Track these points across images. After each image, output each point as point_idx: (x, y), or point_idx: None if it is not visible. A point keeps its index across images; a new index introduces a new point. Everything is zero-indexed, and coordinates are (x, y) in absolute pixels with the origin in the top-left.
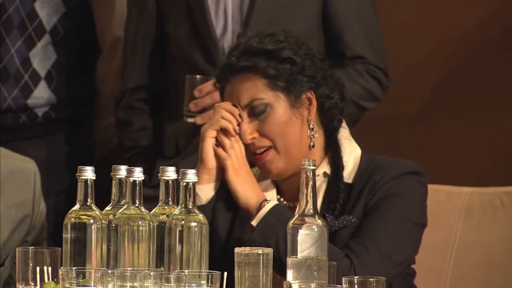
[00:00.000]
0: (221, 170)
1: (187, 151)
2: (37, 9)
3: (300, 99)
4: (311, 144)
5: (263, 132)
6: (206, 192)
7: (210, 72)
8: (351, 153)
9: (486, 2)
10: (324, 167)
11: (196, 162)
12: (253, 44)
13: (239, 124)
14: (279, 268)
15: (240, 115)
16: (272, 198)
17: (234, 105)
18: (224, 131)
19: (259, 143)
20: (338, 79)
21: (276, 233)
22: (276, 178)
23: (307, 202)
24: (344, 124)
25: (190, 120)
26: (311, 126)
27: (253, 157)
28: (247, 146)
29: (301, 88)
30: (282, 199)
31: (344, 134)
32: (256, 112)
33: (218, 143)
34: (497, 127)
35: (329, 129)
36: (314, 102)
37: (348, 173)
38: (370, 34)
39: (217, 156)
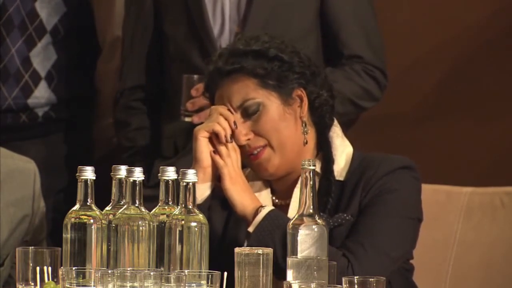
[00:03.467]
0: (216, 169)
1: (184, 151)
2: (38, 9)
3: (291, 96)
4: (305, 141)
5: (258, 131)
6: (202, 191)
7: None
8: (343, 151)
9: (488, 1)
10: (316, 167)
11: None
12: (239, 46)
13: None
14: (277, 272)
15: (234, 122)
16: (266, 197)
17: (229, 111)
18: (216, 135)
19: (254, 143)
20: (326, 77)
21: (272, 238)
22: (270, 177)
23: (306, 202)
24: (335, 122)
25: (187, 119)
26: (304, 123)
27: (248, 158)
28: (241, 148)
29: (292, 85)
30: (274, 198)
31: (336, 132)
32: (249, 112)
33: (215, 150)
34: (498, 127)
35: (320, 127)
36: (305, 100)
37: (340, 171)
38: (368, 33)
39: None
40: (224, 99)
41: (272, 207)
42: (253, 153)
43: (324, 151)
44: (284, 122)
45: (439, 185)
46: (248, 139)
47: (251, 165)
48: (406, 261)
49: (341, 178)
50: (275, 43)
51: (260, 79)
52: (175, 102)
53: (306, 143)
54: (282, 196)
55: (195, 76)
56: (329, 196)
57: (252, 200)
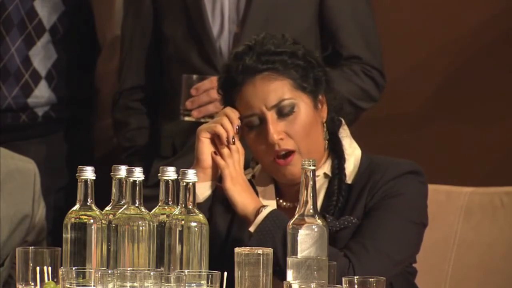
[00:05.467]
0: (217, 170)
1: (182, 151)
2: (37, 7)
3: (318, 101)
4: (325, 146)
5: (290, 132)
6: (203, 190)
7: (207, 72)
8: (352, 154)
9: (489, 2)
10: (325, 168)
11: (192, 162)
12: (270, 47)
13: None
14: (278, 272)
15: (238, 126)
16: (271, 199)
17: (240, 118)
18: (217, 137)
19: (284, 145)
20: (332, 78)
21: (273, 238)
22: (290, 182)
23: (307, 202)
24: (344, 124)
25: (186, 118)
26: (325, 129)
27: (274, 162)
28: (268, 148)
29: (320, 90)
30: (281, 200)
31: (345, 135)
32: (284, 112)
33: (217, 151)
34: (498, 128)
35: (333, 130)
36: (325, 105)
37: (349, 174)
38: (366, 34)
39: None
40: (258, 98)
41: (274, 207)
42: (281, 153)
43: (336, 151)
44: (314, 128)
45: (439, 185)
46: (281, 139)
47: (275, 169)
48: (409, 265)
49: (349, 181)
50: (302, 45)
51: (295, 81)
52: (174, 102)
53: (326, 148)
54: (289, 199)
55: (194, 76)
56: (340, 195)
57: (253, 200)
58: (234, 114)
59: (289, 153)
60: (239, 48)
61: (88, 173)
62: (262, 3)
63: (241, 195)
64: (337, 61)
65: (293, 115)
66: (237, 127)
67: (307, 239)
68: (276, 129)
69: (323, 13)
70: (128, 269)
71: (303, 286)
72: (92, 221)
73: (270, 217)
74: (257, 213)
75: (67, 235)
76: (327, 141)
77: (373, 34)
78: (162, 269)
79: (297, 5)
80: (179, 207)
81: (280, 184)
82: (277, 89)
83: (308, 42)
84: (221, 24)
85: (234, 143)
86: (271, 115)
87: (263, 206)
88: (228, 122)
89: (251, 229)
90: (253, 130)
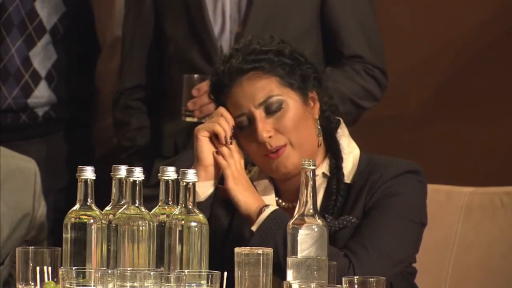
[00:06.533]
0: (218, 168)
1: (183, 151)
2: (37, 8)
3: (307, 97)
4: (319, 143)
5: (280, 128)
6: (205, 189)
7: (208, 72)
8: (350, 153)
9: (489, 2)
10: (323, 168)
11: (192, 162)
12: (256, 46)
13: (231, 137)
14: (279, 272)
15: (233, 127)
16: (271, 199)
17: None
18: (216, 136)
19: (275, 142)
20: (326, 80)
21: (274, 237)
22: (285, 176)
23: (307, 202)
24: (342, 123)
25: (188, 119)
26: (318, 126)
27: (267, 156)
28: (260, 147)
29: (310, 87)
30: (280, 201)
31: (343, 134)
32: (272, 109)
33: (218, 151)
34: (498, 128)
35: (328, 129)
36: (317, 103)
37: (347, 173)
38: (368, 33)
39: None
40: (246, 96)
41: (276, 207)
42: (273, 151)
43: (333, 150)
44: (304, 122)
45: (439, 185)
46: (270, 137)
47: (268, 164)
48: (408, 265)
49: (348, 181)
50: (289, 44)
51: (282, 78)
52: (175, 101)
53: (320, 145)
54: (288, 199)
55: (196, 76)
56: (339, 194)
57: (256, 199)
58: (228, 114)
59: (281, 148)
60: (227, 52)
61: (88, 173)
62: (264, 2)
63: (244, 194)
64: (338, 60)
65: (281, 111)
66: (232, 127)
67: (307, 239)
68: (265, 127)
69: (324, 12)
70: (128, 269)
71: (303, 286)
72: (92, 221)
73: (272, 217)
74: (260, 212)
75: (67, 235)
76: (321, 138)
77: (375, 33)
78: (162, 269)
79: (298, 4)
80: (179, 207)
81: (277, 181)
82: (264, 87)
83: (309, 41)
84: (222, 24)
85: (231, 142)
86: (259, 113)
87: (266, 205)
88: (225, 122)
89: (253, 228)
90: (243, 131)
